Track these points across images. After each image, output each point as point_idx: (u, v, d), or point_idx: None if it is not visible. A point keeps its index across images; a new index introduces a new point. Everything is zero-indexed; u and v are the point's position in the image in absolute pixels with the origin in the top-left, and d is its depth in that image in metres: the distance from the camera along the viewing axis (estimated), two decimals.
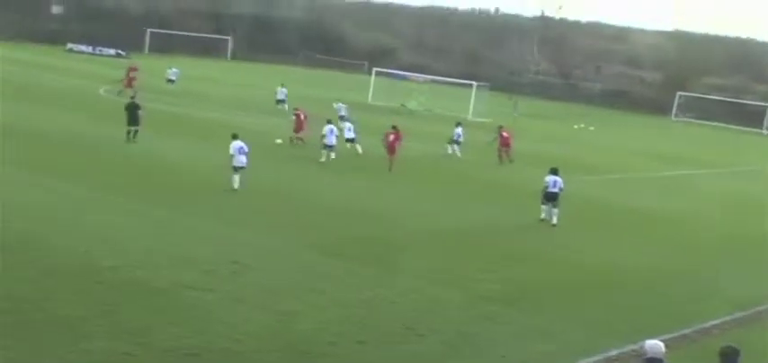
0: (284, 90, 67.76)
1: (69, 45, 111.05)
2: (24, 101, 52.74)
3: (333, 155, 43.31)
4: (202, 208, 30.02)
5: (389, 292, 22.14)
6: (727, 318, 23.06)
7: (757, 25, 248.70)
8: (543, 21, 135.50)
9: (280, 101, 65.93)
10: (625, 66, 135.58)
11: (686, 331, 21.47)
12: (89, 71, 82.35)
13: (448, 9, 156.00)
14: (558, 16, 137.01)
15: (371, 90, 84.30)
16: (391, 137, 43.91)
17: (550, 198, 33.96)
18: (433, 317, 20.70)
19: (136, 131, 42.54)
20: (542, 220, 33.86)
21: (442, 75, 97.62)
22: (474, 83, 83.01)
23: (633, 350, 18.61)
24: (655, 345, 13.72)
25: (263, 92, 75.88)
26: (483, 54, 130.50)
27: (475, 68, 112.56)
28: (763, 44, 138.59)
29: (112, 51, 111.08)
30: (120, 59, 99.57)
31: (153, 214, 28.08)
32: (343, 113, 54.80)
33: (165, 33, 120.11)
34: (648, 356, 13.64)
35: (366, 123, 52.02)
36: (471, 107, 78.14)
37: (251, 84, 78.59)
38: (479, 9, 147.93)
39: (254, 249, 24.97)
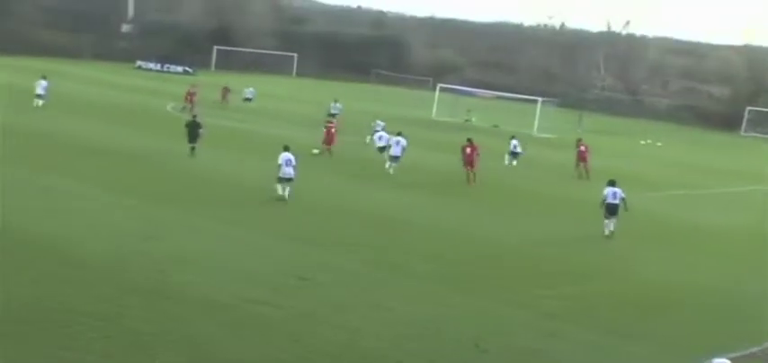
0: (338, 105, 68.46)
1: (138, 62, 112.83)
2: (96, 118, 53.85)
3: (396, 167, 44.15)
4: (263, 222, 30.42)
5: (455, 310, 22.21)
6: None
7: None
8: (609, 36, 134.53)
9: (332, 116, 66.55)
10: (693, 81, 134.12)
11: (755, 349, 21.23)
12: (157, 88, 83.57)
13: (513, 25, 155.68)
14: (624, 31, 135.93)
15: (435, 106, 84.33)
16: (468, 150, 44.26)
17: (611, 210, 33.92)
18: (499, 334, 20.74)
19: (193, 147, 43.70)
20: (607, 237, 33.68)
21: (508, 91, 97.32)
22: (539, 98, 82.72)
23: None
24: None
25: (324, 108, 76.40)
26: (549, 70, 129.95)
27: (541, 84, 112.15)
28: None
29: (180, 68, 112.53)
30: (188, 76, 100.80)
31: (215, 229, 28.45)
32: (378, 130, 54.86)
33: (232, 50, 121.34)
34: None
35: (430, 139, 52.07)
36: (536, 123, 77.84)
37: (313, 100, 79.10)
38: (545, 24, 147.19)
39: (318, 264, 25.17)
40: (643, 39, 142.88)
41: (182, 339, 18.21)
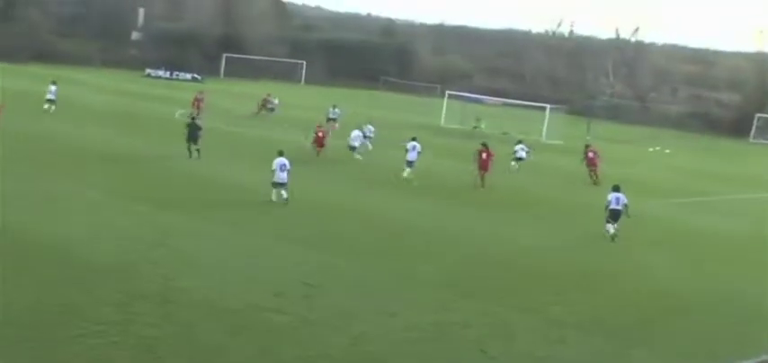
0: (337, 110, 68.64)
1: (147, 70, 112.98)
2: (104, 124, 53.98)
3: (413, 171, 44.67)
4: (268, 226, 30.46)
5: (461, 315, 22.16)
6: None
7: None
8: (618, 43, 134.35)
9: (330, 120, 66.74)
10: (702, 89, 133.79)
11: (766, 357, 21.14)
12: (165, 95, 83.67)
13: (522, 32, 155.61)
14: (633, 38, 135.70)
15: (444, 113, 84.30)
16: (484, 156, 45.03)
17: (614, 215, 34.24)
18: (505, 339, 20.70)
19: (197, 150, 43.97)
20: (608, 239, 34.00)
21: (517, 98, 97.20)
22: (548, 105, 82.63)
23: None
24: None
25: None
26: (557, 76, 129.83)
27: (549, 91, 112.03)
28: None
29: (189, 76, 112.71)
30: (196, 83, 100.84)
31: (221, 234, 28.51)
32: (368, 134, 56.42)
33: (240, 58, 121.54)
34: None
35: (438, 146, 52.02)
36: (545, 129, 77.76)
37: (320, 106, 78.64)
38: (553, 31, 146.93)
39: (323, 268, 25.20)
40: (652, 46, 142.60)
41: (187, 344, 18.26)
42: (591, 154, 52.00)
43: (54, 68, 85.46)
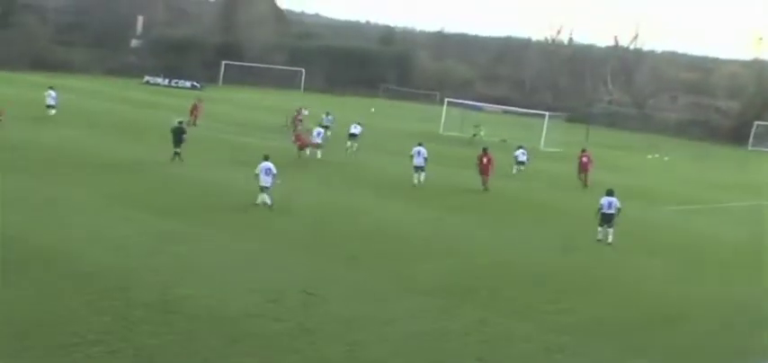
0: (330, 117, 68.56)
1: (146, 78, 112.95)
2: (102, 132, 54.05)
3: (423, 177, 45.46)
4: (266, 234, 30.51)
5: (460, 323, 22.22)
6: None
7: None
8: (617, 50, 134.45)
9: (324, 127, 66.80)
10: (701, 96, 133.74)
11: None
12: (164, 103, 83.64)
13: (521, 39, 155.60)
14: (632, 46, 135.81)
15: (443, 120, 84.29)
16: (485, 160, 46.42)
17: (606, 219, 34.72)
18: (503, 348, 20.75)
19: (178, 153, 44.62)
20: (599, 241, 34.50)
21: (516, 106, 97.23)
22: (547, 113, 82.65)
23: None
24: None
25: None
26: (556, 84, 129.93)
27: (548, 98, 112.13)
28: None
29: (188, 83, 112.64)
30: (195, 91, 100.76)
31: (219, 241, 28.57)
32: (327, 123, 62.54)
33: (240, 65, 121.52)
34: None
35: (437, 153, 52.00)
36: (543, 137, 77.77)
37: (319, 114, 78.50)
38: (553, 39, 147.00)
39: (321, 276, 25.24)
40: (651, 53, 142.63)
41: (187, 352, 18.31)
42: (584, 159, 52.65)
43: (53, 76, 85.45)
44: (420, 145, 46.87)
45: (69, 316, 19.48)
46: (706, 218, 46.29)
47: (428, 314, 22.65)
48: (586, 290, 27.28)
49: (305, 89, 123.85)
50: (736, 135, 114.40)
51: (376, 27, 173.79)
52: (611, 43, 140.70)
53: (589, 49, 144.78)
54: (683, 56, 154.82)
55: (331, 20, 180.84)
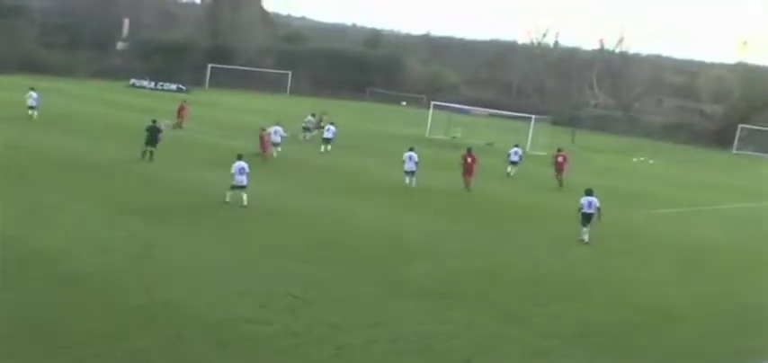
0: (312, 119, 68.47)
1: (132, 80, 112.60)
2: (87, 135, 53.85)
3: (414, 181, 45.68)
4: (254, 237, 30.43)
5: (448, 327, 22.18)
6: None
7: None
8: (603, 54, 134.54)
9: (306, 129, 66.78)
10: (686, 99, 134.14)
11: None
12: (149, 106, 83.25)
13: (507, 42, 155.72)
14: (617, 49, 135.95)
15: (429, 124, 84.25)
16: (469, 160, 47.23)
17: (587, 218, 35.21)
18: (491, 352, 20.71)
19: (152, 152, 45.13)
20: (582, 242, 34.81)
21: (502, 109, 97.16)
22: (533, 116, 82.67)
23: None
24: None
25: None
26: (543, 87, 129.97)
27: (535, 101, 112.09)
28: None
29: (174, 86, 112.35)
30: (181, 94, 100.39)
31: (206, 244, 28.50)
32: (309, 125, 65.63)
33: (226, 68, 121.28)
34: None
35: (424, 157, 51.89)
36: (529, 140, 77.79)
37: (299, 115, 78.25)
38: (539, 42, 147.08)
39: (309, 280, 25.13)
40: (636, 57, 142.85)
41: (174, 357, 18.23)
42: (560, 159, 53.37)
43: (39, 78, 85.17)
44: (411, 149, 46.99)
45: (55, 320, 19.36)
46: (692, 221, 46.36)
47: (415, 318, 22.60)
48: (575, 294, 27.25)
49: (292, 92, 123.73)
50: (721, 138, 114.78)
51: (362, 30, 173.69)
52: (596, 46, 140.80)
53: (575, 52, 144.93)
54: (669, 59, 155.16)
55: (318, 22, 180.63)
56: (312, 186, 43.35)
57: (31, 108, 59.60)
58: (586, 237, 34.89)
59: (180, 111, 65.85)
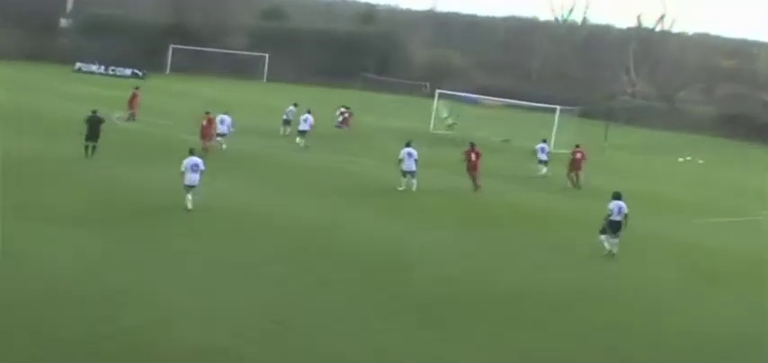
0: (293, 109, 68.64)
1: (78, 64, 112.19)
2: (28, 131, 53.84)
3: (414, 183, 45.88)
4: (222, 251, 30.63)
5: (434, 347, 22.55)
6: None
7: None
8: (640, 32, 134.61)
9: (285, 122, 67.01)
10: (743, 87, 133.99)
11: None
12: (99, 95, 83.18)
13: (527, 20, 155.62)
14: (658, 27, 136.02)
15: (433, 116, 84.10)
16: (473, 156, 47.92)
17: (615, 227, 35.13)
18: None
19: (94, 147, 45.60)
20: (610, 255, 35.01)
21: (521, 98, 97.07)
22: (558, 107, 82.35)
23: None
24: None
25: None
26: (569, 73, 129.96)
27: (560, 90, 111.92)
28: None
29: (128, 71, 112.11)
30: (137, 80, 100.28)
31: (169, 260, 28.70)
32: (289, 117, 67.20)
33: (191, 50, 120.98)
34: None
35: (426, 156, 52.00)
36: (554, 135, 77.67)
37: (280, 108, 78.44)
38: (564, 19, 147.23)
39: (290, 302, 25.36)
40: (681, 36, 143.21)
41: None
42: (578, 156, 54.13)
43: None
44: (408, 145, 46.90)
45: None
46: (748, 234, 46.10)
47: (419, 344, 22.86)
48: (618, 329, 27.21)
49: (269, 79, 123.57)
50: None
51: (354, 5, 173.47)
52: (633, 24, 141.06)
53: (607, 31, 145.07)
54: (720, 38, 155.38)
55: None
56: (294, 191, 43.43)
57: None
58: (615, 249, 35.01)
59: (132, 101, 65.80)
